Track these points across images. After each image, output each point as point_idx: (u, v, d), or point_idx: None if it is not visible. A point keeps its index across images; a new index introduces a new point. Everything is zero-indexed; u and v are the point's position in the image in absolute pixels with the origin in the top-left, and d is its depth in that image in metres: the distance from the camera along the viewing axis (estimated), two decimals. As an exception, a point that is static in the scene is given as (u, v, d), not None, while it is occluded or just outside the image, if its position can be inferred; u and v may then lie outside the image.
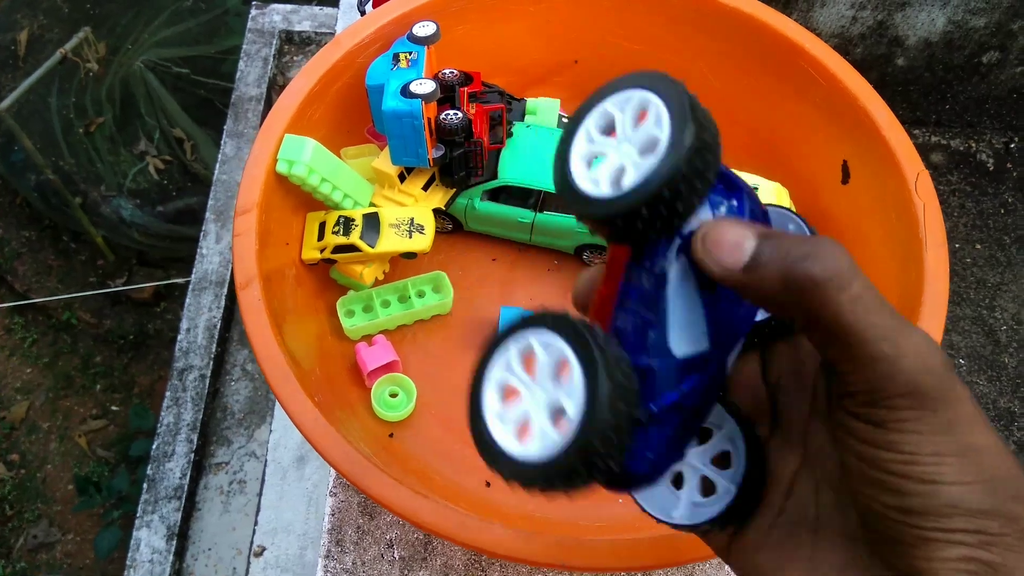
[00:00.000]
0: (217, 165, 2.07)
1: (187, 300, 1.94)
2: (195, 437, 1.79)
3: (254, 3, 2.16)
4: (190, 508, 1.74)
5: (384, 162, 0.58)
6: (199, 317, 1.94)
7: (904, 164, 0.54)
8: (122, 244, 2.72)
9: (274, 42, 2.19)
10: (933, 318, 0.49)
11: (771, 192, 0.59)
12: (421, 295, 0.61)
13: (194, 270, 1.95)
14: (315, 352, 0.56)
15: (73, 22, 2.91)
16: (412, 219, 0.58)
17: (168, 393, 1.85)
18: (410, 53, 0.55)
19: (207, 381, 1.86)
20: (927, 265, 0.51)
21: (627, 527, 0.52)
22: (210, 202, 2.04)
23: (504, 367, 0.26)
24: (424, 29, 0.56)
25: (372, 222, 0.57)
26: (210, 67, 2.75)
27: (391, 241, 0.57)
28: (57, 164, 2.69)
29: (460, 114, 0.55)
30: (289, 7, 2.16)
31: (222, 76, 2.69)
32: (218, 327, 1.89)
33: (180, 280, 2.67)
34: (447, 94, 0.57)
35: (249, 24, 2.17)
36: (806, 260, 0.24)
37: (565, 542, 0.42)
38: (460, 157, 0.56)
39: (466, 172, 0.58)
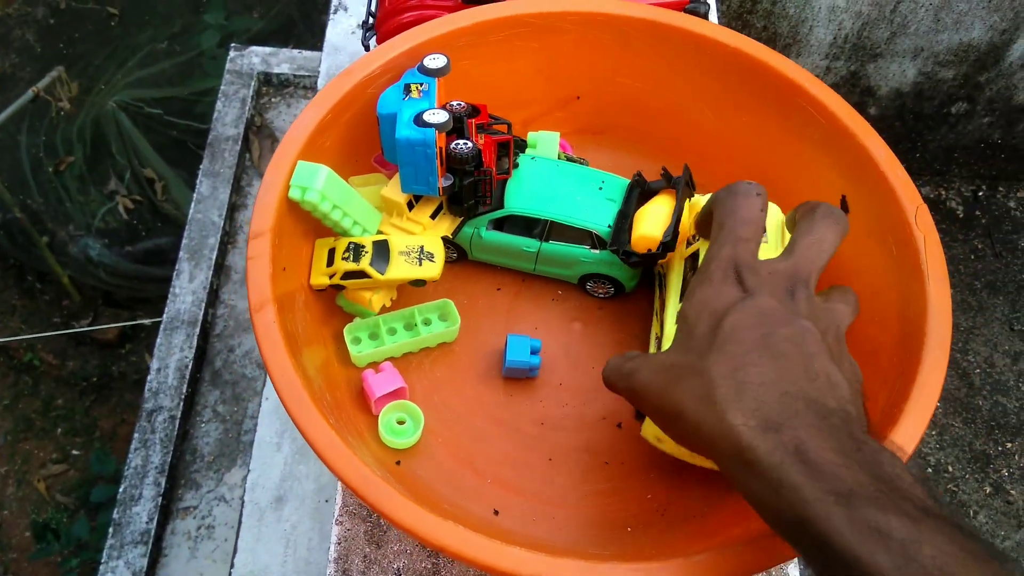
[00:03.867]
0: (192, 204, 2.06)
1: (158, 340, 1.91)
2: (163, 480, 1.76)
3: (232, 45, 2.17)
4: (156, 554, 1.70)
5: (393, 190, 0.59)
6: (170, 357, 1.91)
7: (903, 198, 0.56)
8: (88, 284, 2.69)
9: (252, 83, 2.20)
10: (938, 348, 0.51)
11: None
12: (428, 323, 0.61)
13: (166, 309, 1.93)
14: (322, 378, 0.56)
15: (45, 61, 2.90)
16: (422, 247, 0.58)
17: (136, 435, 1.82)
18: (421, 84, 0.56)
19: (176, 423, 1.83)
20: (930, 298, 0.53)
21: (637, 555, 0.51)
22: (184, 241, 2.03)
23: None
24: (435, 62, 0.57)
25: (382, 249, 0.57)
26: (184, 108, 2.75)
27: (401, 268, 0.57)
28: (25, 203, 2.65)
29: (470, 144, 0.56)
30: (268, 49, 2.18)
31: (195, 117, 2.68)
32: (189, 368, 1.87)
33: (147, 321, 2.64)
34: (455, 125, 0.58)
35: (228, 65, 2.18)
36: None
37: (592, 568, 0.42)
38: (470, 186, 0.57)
39: (475, 201, 0.59)
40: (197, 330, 1.91)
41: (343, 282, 0.58)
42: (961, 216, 1.56)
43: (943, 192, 1.60)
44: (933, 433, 1.38)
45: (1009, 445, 1.38)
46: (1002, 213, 1.59)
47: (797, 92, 0.62)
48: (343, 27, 1.74)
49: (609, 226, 0.60)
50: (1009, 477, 1.37)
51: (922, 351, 0.50)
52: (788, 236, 0.50)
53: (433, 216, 0.61)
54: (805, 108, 0.62)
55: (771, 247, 0.52)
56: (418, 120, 0.54)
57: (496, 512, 0.55)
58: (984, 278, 1.52)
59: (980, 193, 1.59)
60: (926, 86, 1.44)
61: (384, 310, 0.62)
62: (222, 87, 2.21)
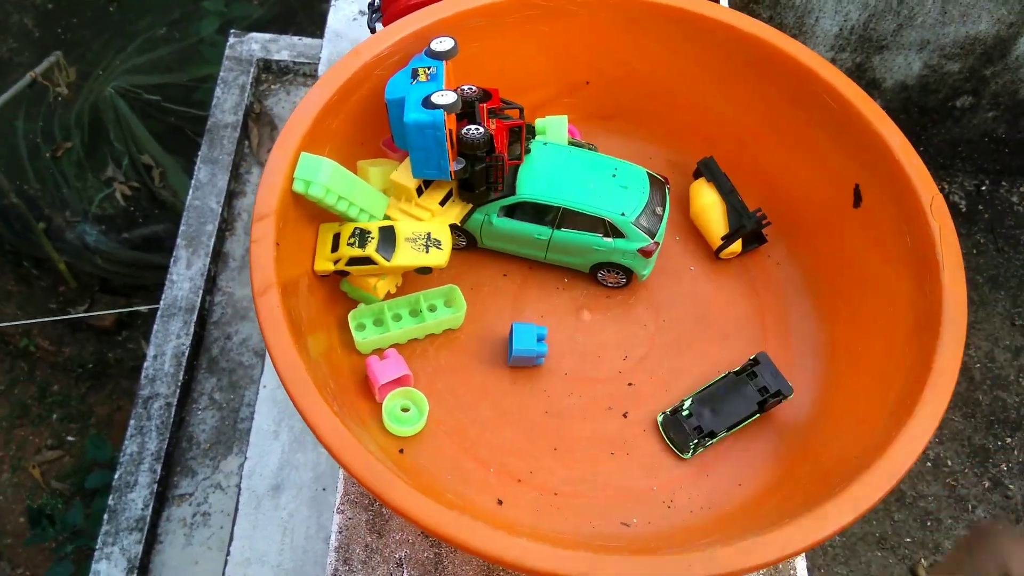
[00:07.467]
0: (190, 191, 2.04)
1: (155, 326, 1.90)
2: (159, 467, 1.75)
3: (232, 32, 2.15)
4: (151, 540, 1.69)
5: (403, 175, 0.58)
6: (167, 344, 1.90)
7: (919, 187, 0.55)
8: (85, 271, 2.67)
9: (252, 70, 2.18)
10: (953, 340, 0.50)
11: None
12: (433, 309, 0.60)
13: (163, 296, 1.92)
14: (326, 365, 0.55)
15: (43, 47, 2.88)
16: (429, 234, 0.57)
17: (132, 421, 1.80)
18: (429, 68, 0.55)
19: (172, 410, 1.82)
20: (945, 286, 0.52)
21: (643, 547, 0.51)
22: (182, 228, 2.01)
23: None
24: (442, 44, 0.56)
25: (388, 235, 0.56)
26: (182, 95, 2.73)
27: (407, 255, 0.56)
28: (22, 188, 2.64)
29: (482, 129, 0.55)
30: (268, 36, 2.16)
31: (193, 104, 2.66)
32: (186, 355, 1.85)
33: (143, 308, 2.63)
34: (466, 110, 0.57)
35: (227, 52, 2.17)
36: None
37: (600, 560, 0.41)
38: (481, 172, 0.56)
39: (487, 187, 0.58)
40: (194, 317, 1.90)
41: (348, 268, 0.57)
42: (964, 211, 1.56)
43: (946, 186, 1.59)
44: (933, 428, 1.38)
45: (1008, 440, 1.38)
46: (1005, 208, 1.58)
47: (810, 77, 0.61)
48: (344, 14, 1.72)
49: (622, 214, 0.60)
50: (1008, 472, 1.36)
51: (937, 342, 0.49)
52: None
53: (442, 203, 0.60)
54: (818, 94, 0.61)
55: None
56: (426, 102, 0.53)
57: (500, 502, 0.54)
58: (986, 273, 1.51)
59: (983, 188, 1.58)
60: (931, 79, 1.43)
61: (389, 296, 0.61)
62: (221, 73, 2.19)
